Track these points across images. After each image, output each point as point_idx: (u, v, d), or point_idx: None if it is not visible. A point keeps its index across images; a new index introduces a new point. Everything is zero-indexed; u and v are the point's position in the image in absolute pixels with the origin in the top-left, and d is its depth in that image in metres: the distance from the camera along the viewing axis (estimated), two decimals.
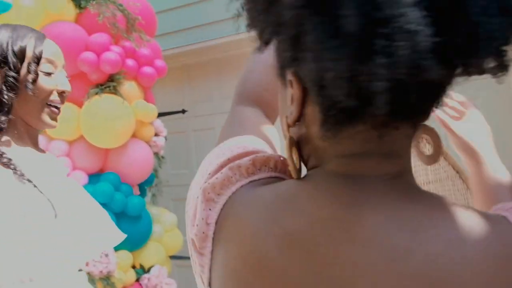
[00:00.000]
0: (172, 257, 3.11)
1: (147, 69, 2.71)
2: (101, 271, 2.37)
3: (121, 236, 1.25)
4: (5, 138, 1.06)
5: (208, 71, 3.81)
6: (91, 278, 2.36)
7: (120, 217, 2.59)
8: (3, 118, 1.03)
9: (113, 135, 2.54)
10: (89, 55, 2.48)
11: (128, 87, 2.65)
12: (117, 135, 2.55)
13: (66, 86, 1.11)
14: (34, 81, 1.06)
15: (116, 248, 2.59)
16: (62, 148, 2.55)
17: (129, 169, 2.65)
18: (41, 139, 2.55)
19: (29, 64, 1.06)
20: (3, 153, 1.00)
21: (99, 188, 2.48)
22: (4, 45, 1.04)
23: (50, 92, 1.08)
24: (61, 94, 1.10)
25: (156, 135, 2.90)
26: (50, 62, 1.09)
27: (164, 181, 3.10)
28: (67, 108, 2.55)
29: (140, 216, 2.67)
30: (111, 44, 2.58)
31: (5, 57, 1.04)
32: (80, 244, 1.08)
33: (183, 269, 3.91)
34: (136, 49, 2.68)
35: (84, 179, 2.57)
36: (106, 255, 2.41)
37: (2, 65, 1.03)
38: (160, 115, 3.79)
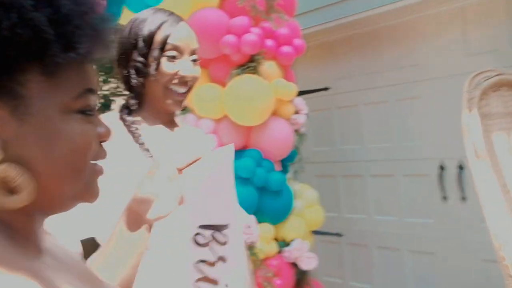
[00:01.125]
0: (314, 232, 3.17)
1: (286, 48, 2.76)
2: (245, 241, 2.53)
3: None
4: (137, 118, 1.17)
5: (350, 47, 3.74)
6: None
7: (262, 191, 2.72)
8: (132, 101, 1.14)
9: (254, 113, 2.65)
10: (230, 38, 2.61)
11: (268, 66, 2.74)
12: (258, 113, 2.66)
13: (187, 72, 1.12)
14: (157, 66, 1.12)
15: (259, 221, 2.73)
16: (209, 126, 2.75)
17: (270, 145, 2.76)
18: (190, 118, 2.79)
19: (154, 49, 1.12)
20: (136, 128, 1.11)
21: (242, 164, 2.63)
22: (138, 30, 1.12)
23: (171, 77, 1.12)
24: (182, 79, 1.13)
25: (296, 112, 2.95)
26: (175, 47, 1.12)
27: (306, 158, 3.15)
28: (212, 88, 2.75)
29: (281, 191, 2.76)
30: (251, 26, 2.68)
31: (136, 42, 1.11)
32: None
33: (324, 244, 3.95)
34: (275, 29, 2.75)
35: None
36: (249, 227, 2.55)
37: (132, 49, 1.12)
38: (303, 93, 3.84)
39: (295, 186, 2.96)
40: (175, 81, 1.13)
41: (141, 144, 1.09)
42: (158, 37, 1.12)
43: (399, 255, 3.50)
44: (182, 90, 1.14)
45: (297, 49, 2.81)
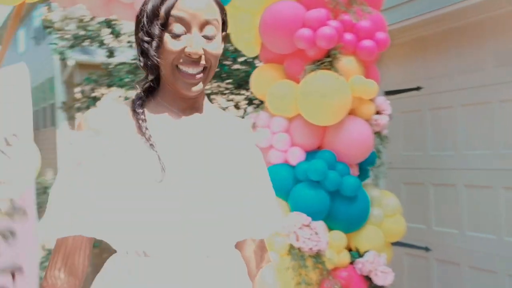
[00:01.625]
0: (397, 244, 2.91)
1: (367, 43, 2.55)
2: (310, 248, 2.36)
3: (272, 227, 1.13)
4: (152, 102, 1.05)
5: (444, 43, 3.39)
6: (301, 254, 2.37)
7: (335, 196, 2.53)
8: (143, 83, 1.04)
9: (328, 112, 2.47)
10: (305, 32, 2.46)
11: (346, 62, 2.54)
12: (332, 112, 2.48)
13: (194, 48, 0.95)
14: (159, 44, 0.97)
15: (330, 228, 2.54)
16: (282, 124, 2.62)
17: (345, 147, 2.56)
18: (263, 115, 2.68)
19: (155, 25, 0.97)
20: (143, 120, 0.99)
21: (312, 166, 2.46)
22: (144, 5, 0.99)
23: (177, 56, 0.97)
24: (189, 57, 0.96)
25: (378, 113, 2.72)
26: (180, 20, 0.96)
27: (392, 162, 2.89)
28: (285, 85, 2.61)
29: (356, 197, 2.55)
30: (329, 18, 2.50)
31: (141, 19, 0.99)
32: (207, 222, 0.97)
33: (410, 257, 3.63)
34: (355, 22, 2.55)
35: (302, 155, 2.59)
36: (316, 233, 2.38)
37: (139, 29, 1.01)
38: (392, 92, 3.57)
39: (374, 193, 2.73)
40: (182, 60, 0.97)
41: (145, 135, 0.97)
42: (161, 10, 0.97)
43: (496, 279, 3.09)
44: (191, 70, 0.97)
45: (379, 44, 2.58)
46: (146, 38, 0.98)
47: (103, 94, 7.59)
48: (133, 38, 7.75)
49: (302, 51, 2.54)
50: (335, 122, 2.54)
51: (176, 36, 0.97)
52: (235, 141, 1.07)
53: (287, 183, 2.58)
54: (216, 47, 1.00)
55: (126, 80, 7.34)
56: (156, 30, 0.97)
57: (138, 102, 1.03)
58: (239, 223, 1.02)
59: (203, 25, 0.98)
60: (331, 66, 2.48)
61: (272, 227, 1.12)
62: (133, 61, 7.52)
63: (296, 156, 2.59)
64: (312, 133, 2.59)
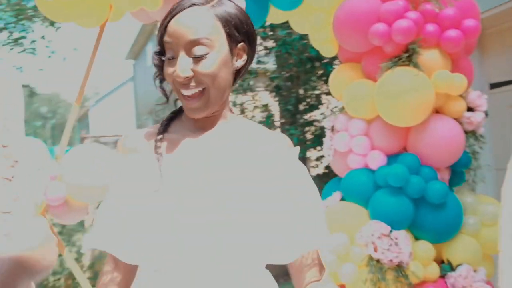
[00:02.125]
0: None
1: (451, 33, 2.29)
2: (390, 260, 2.19)
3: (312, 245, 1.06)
4: (178, 122, 1.07)
5: None
6: (380, 266, 2.21)
7: (419, 203, 2.32)
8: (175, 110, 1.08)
9: (406, 112, 2.28)
10: (380, 27, 2.29)
11: (429, 56, 2.32)
12: (411, 111, 2.27)
13: (179, 71, 0.95)
14: (161, 70, 1.01)
15: (416, 237, 2.34)
16: (360, 127, 2.47)
17: (431, 149, 2.33)
18: (341, 118, 2.55)
19: (156, 52, 1.01)
20: (159, 140, 1.01)
21: (392, 171, 2.29)
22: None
23: (173, 80, 0.98)
24: (179, 80, 0.96)
25: (471, 109, 2.44)
26: (169, 45, 0.97)
27: (486, 165, 2.58)
28: (363, 85, 2.46)
29: (445, 203, 2.31)
30: (407, 10, 2.30)
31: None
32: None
33: None
34: (438, 11, 2.31)
35: (383, 160, 2.42)
36: (397, 244, 2.20)
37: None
38: (498, 85, 3.19)
39: (469, 199, 2.45)
40: (178, 82, 0.97)
41: (157, 155, 0.98)
42: (158, 38, 1.01)
43: None
44: (186, 92, 0.97)
45: (467, 33, 2.31)
46: (155, 62, 1.01)
47: None
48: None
49: (379, 48, 2.37)
50: (417, 123, 2.33)
51: (169, 61, 0.98)
52: (259, 157, 1.02)
53: (367, 189, 2.43)
54: (209, 66, 0.96)
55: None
56: (154, 59, 1.01)
57: (164, 123, 1.06)
58: (264, 243, 0.97)
59: (191, 46, 0.96)
60: (409, 61, 2.28)
61: (311, 245, 1.05)
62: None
63: (376, 160, 2.42)
64: (393, 135, 2.41)
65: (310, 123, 6.93)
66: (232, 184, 0.97)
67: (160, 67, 1.01)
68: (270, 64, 7.74)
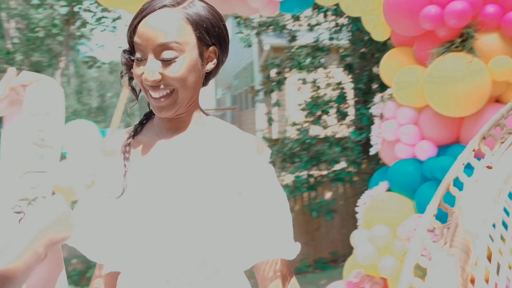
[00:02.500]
0: None
1: None
2: None
3: (286, 253, 1.01)
4: (150, 124, 1.08)
5: None
6: None
7: None
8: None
9: (457, 101, 2.13)
10: (431, 9, 2.14)
11: (487, 40, 2.14)
12: (463, 101, 2.12)
13: (147, 74, 0.94)
14: (127, 72, 1.01)
15: None
16: (409, 115, 2.35)
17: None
18: (390, 106, 2.44)
19: (125, 52, 1.01)
20: (127, 145, 1.03)
21: (439, 163, 2.17)
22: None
23: (141, 81, 0.97)
24: (147, 82, 0.96)
25: None
26: (138, 46, 0.96)
27: None
28: (413, 71, 2.33)
29: None
30: None
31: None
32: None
33: None
34: None
35: (432, 150, 2.30)
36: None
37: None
38: None
39: None
40: (146, 84, 0.97)
41: (124, 159, 1.01)
42: (127, 37, 1.00)
43: None
44: (154, 94, 0.97)
45: None
46: (122, 65, 1.02)
47: (285, 78, 7.85)
48: (313, 21, 7.82)
49: (433, 32, 2.23)
50: (470, 113, 2.18)
51: (138, 62, 0.98)
52: (225, 161, 1.00)
53: (414, 181, 2.33)
54: (177, 70, 0.95)
55: (305, 63, 7.47)
56: (123, 58, 1.01)
57: (136, 126, 1.08)
58: (220, 248, 0.97)
59: (160, 50, 0.95)
60: (463, 47, 2.12)
61: (269, 254, 1.00)
62: (313, 44, 7.59)
63: (425, 151, 2.31)
64: (445, 125, 2.27)
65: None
66: (193, 188, 0.97)
67: (128, 66, 1.02)
68: (343, 41, 7.54)
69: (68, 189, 2.19)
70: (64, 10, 8.49)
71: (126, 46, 1.03)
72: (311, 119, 7.57)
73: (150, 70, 0.95)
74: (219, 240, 0.96)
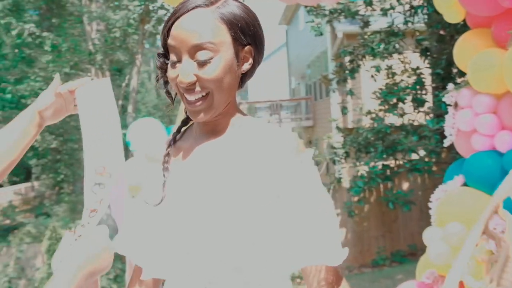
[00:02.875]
0: None
1: None
2: None
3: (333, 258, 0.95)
4: (187, 132, 1.07)
5: None
6: None
7: None
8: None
9: None
10: None
11: None
12: None
13: (183, 76, 0.92)
14: (162, 75, 1.00)
15: None
16: (487, 103, 2.16)
17: None
18: (464, 93, 2.27)
19: (160, 55, 1.00)
20: (167, 148, 1.02)
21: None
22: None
23: (176, 84, 0.95)
24: (182, 85, 0.93)
25: None
26: (173, 49, 0.94)
27: None
28: (490, 55, 2.14)
29: None
30: None
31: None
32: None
33: None
34: None
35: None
36: None
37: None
38: None
39: None
40: (181, 87, 0.95)
41: (163, 164, 1.01)
42: (161, 41, 0.98)
43: None
44: (190, 97, 0.95)
45: None
46: (157, 68, 1.01)
47: (359, 66, 7.62)
48: (386, 5, 7.50)
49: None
50: None
51: (173, 64, 0.96)
52: (263, 163, 0.95)
53: (493, 175, 2.14)
54: (212, 71, 0.92)
55: (378, 49, 7.20)
56: (157, 61, 1.00)
57: (175, 134, 1.07)
58: (261, 253, 0.93)
59: (194, 50, 0.92)
60: None
61: (312, 260, 0.94)
62: (386, 28, 7.29)
63: (505, 142, 2.12)
64: None
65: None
66: (230, 193, 0.94)
67: (163, 69, 1.00)
68: (419, 24, 7.18)
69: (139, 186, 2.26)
70: (138, 10, 8.82)
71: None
72: (386, 107, 7.31)
73: (185, 72, 0.93)
74: (256, 245, 0.92)
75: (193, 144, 1.02)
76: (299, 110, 16.24)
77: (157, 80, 1.04)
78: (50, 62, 10.06)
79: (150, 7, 9.32)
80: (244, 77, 1.01)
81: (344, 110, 7.98)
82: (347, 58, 7.69)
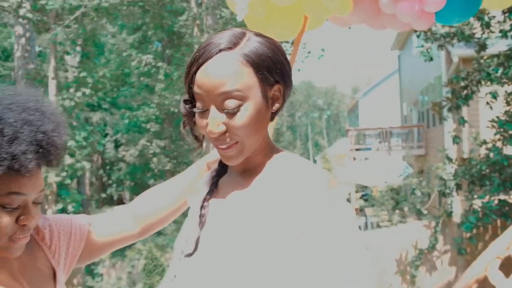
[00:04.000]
0: None
1: None
2: None
3: None
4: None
5: None
6: None
7: None
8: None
9: None
10: None
11: None
12: None
13: (210, 128, 0.90)
14: (188, 121, 0.98)
15: None
16: None
17: None
18: None
19: (187, 102, 0.98)
20: (208, 185, 1.04)
21: None
22: None
23: (206, 133, 0.93)
24: (219, 134, 0.91)
25: None
26: (199, 96, 0.91)
27: None
28: None
29: None
30: None
31: None
32: None
33: None
34: None
35: None
36: None
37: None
38: None
39: None
40: (212, 136, 0.92)
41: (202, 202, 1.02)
42: (186, 87, 0.96)
43: None
44: (221, 145, 0.93)
45: None
46: (184, 115, 1.00)
47: (473, 92, 7.12)
48: (505, 26, 6.95)
49: None
50: None
51: (200, 113, 0.94)
52: (290, 202, 0.90)
53: None
54: (241, 120, 0.90)
55: (496, 74, 6.67)
56: (183, 108, 0.98)
57: (215, 179, 1.06)
58: None
59: (222, 99, 0.90)
60: None
61: None
62: (506, 52, 6.74)
63: None
64: None
65: None
66: (251, 236, 0.90)
67: (189, 116, 0.98)
68: None
69: None
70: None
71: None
72: (504, 136, 6.71)
73: (214, 122, 0.91)
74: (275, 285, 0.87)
75: (228, 183, 1.02)
76: (410, 138, 15.56)
77: (184, 127, 1.01)
78: (163, 90, 10.81)
79: None
80: (274, 113, 0.98)
81: (455, 139, 7.46)
82: (461, 84, 7.22)
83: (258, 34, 0.94)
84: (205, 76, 0.90)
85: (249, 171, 0.99)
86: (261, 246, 0.88)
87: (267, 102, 0.93)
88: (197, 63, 0.92)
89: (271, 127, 2.34)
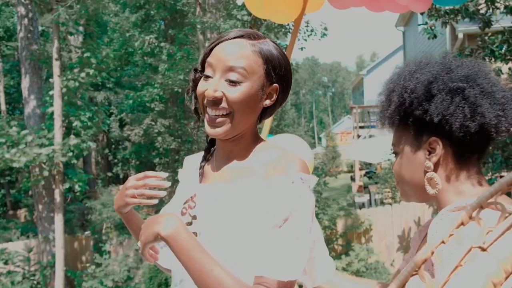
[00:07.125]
0: None
1: None
2: None
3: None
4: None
5: None
6: None
7: None
8: None
9: None
10: None
11: None
12: None
13: (209, 90, 1.01)
14: (194, 88, 1.08)
15: None
16: None
17: None
18: None
19: (197, 71, 1.10)
20: (199, 168, 1.15)
21: None
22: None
23: (202, 98, 1.04)
24: (208, 99, 1.02)
25: None
26: (210, 65, 1.03)
27: None
28: None
29: None
30: None
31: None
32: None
33: None
34: None
35: None
36: None
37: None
38: None
39: None
40: (206, 101, 1.04)
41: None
42: (200, 58, 1.09)
43: None
44: (211, 112, 1.03)
45: None
46: (191, 84, 1.10)
47: None
48: (511, 2, 6.86)
49: None
50: None
51: (205, 78, 1.04)
52: (263, 183, 1.02)
53: None
54: (238, 93, 1.00)
55: (500, 51, 6.62)
56: (192, 75, 1.09)
57: (207, 148, 1.17)
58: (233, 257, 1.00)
59: (227, 71, 1.01)
60: None
61: (269, 271, 0.96)
62: (510, 28, 6.68)
63: None
64: None
65: None
66: (228, 215, 1.03)
67: (196, 83, 1.09)
68: None
69: None
70: (247, 19, 9.09)
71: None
72: None
73: (213, 87, 1.02)
74: (236, 250, 1.01)
75: (214, 167, 1.12)
76: None
77: (187, 93, 1.12)
78: (166, 70, 10.82)
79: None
80: (264, 113, 1.09)
81: None
82: None
83: (275, 43, 1.09)
84: (222, 49, 1.03)
85: (233, 157, 1.09)
86: (239, 227, 1.00)
87: (262, 94, 1.05)
88: (218, 41, 1.05)
89: (267, 124, 2.38)
